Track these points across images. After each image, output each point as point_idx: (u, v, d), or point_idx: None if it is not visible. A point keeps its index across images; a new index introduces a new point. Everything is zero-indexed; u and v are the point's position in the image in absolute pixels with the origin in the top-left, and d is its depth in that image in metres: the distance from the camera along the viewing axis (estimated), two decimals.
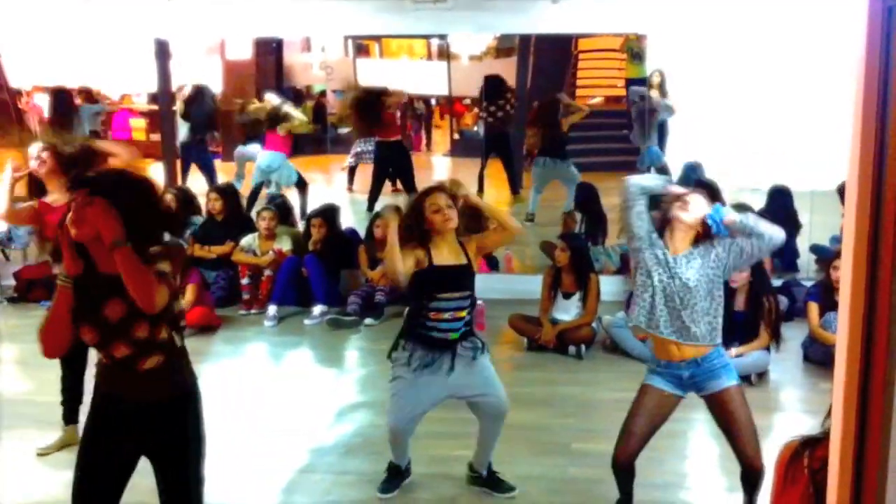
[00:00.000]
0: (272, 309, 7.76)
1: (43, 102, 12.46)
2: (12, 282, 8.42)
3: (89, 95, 10.56)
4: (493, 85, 10.43)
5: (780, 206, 8.21)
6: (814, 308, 6.61)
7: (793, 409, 6.01)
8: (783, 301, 7.12)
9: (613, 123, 10.62)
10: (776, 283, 7.11)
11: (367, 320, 7.62)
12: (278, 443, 5.29)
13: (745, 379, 4.45)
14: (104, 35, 9.05)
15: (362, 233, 8.55)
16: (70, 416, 5.22)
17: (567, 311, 6.93)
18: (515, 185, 10.38)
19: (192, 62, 10.73)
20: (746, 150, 8.93)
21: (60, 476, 4.86)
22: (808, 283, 7.39)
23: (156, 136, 10.36)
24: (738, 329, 6.04)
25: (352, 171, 11.41)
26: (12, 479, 4.84)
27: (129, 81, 10.21)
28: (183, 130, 10.20)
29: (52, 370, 6.49)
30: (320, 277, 7.86)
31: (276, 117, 9.97)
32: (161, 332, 3.05)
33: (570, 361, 6.71)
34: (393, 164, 10.07)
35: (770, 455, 3.47)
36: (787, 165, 8.05)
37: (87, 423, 3.21)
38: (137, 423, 3.11)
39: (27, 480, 4.84)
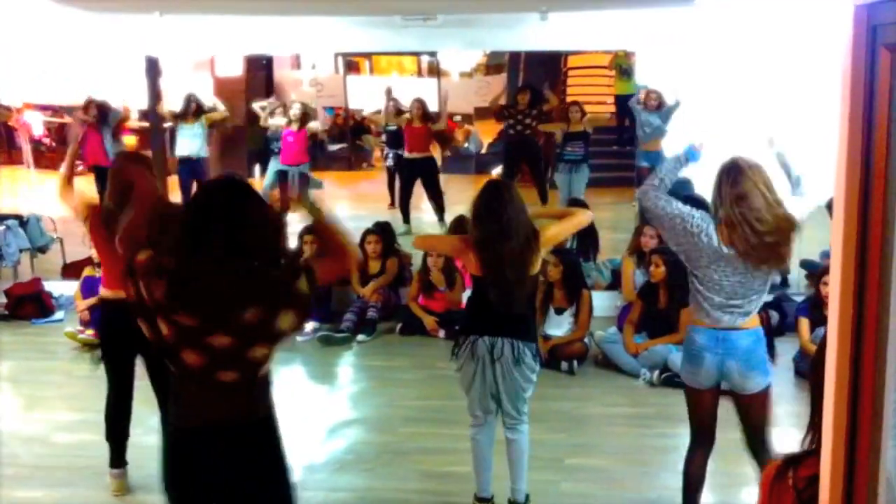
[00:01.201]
0: None
1: (33, 119, 12.46)
2: (3, 299, 8.39)
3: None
4: (532, 93, 10.34)
5: None
6: (804, 323, 6.63)
7: (785, 424, 6.00)
8: (774, 316, 7.15)
9: (604, 139, 10.68)
10: (767, 298, 7.13)
11: (360, 336, 7.61)
12: None
13: None
14: (95, 52, 9.05)
15: None
16: (118, 458, 4.70)
17: (559, 326, 6.94)
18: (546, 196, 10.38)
19: (182, 78, 10.75)
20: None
21: (56, 493, 4.86)
22: (799, 299, 7.41)
23: (146, 153, 10.35)
24: None
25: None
26: (5, 493, 4.82)
27: (120, 98, 10.19)
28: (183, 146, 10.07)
29: (45, 388, 6.53)
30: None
31: None
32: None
33: (563, 377, 6.71)
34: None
35: (756, 470, 3.49)
36: (775, 180, 8.06)
37: (170, 469, 2.94)
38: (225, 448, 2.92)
39: (20, 495, 4.83)
